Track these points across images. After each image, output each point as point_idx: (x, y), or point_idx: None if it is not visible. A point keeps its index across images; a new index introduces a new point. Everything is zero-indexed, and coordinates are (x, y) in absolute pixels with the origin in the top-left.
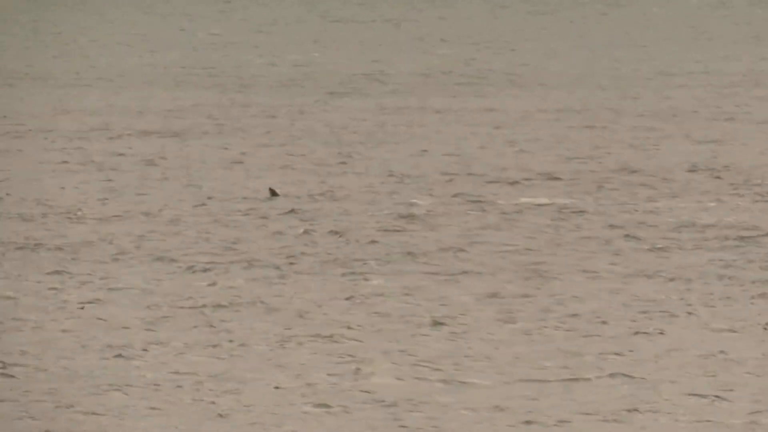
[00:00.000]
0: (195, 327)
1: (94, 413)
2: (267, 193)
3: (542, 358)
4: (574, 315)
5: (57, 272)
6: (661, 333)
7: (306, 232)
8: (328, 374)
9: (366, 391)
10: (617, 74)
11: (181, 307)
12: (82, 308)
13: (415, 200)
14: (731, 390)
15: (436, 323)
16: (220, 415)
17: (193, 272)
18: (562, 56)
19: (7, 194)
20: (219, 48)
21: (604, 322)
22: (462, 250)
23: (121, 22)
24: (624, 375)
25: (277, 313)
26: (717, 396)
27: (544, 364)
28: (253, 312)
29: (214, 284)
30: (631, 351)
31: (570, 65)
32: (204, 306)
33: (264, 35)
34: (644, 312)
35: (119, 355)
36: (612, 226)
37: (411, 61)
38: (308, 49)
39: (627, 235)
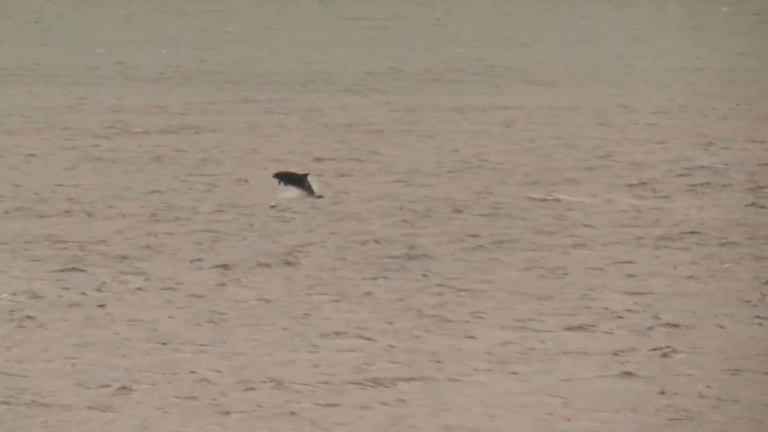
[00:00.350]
0: (201, 325)
1: (98, 410)
2: (280, 191)
3: (551, 359)
4: (584, 313)
5: (71, 269)
6: (671, 333)
7: (315, 230)
8: (337, 372)
9: (374, 388)
10: (629, 71)
11: (190, 306)
12: (103, 306)
13: (427, 196)
14: (740, 391)
15: (446, 321)
16: (228, 413)
17: (207, 270)
18: (574, 53)
19: (15, 185)
20: (232, 45)
21: (615, 319)
22: (474, 249)
23: (134, 19)
24: (632, 374)
25: (287, 311)
26: (725, 399)
27: (554, 364)
28: (264, 310)
29: (223, 284)
30: (638, 349)
31: (582, 62)
32: (216, 304)
33: (277, 33)
34: (655, 310)
35: (125, 355)
36: (624, 225)
37: (423, 59)
38: (321, 47)
39: (638, 235)
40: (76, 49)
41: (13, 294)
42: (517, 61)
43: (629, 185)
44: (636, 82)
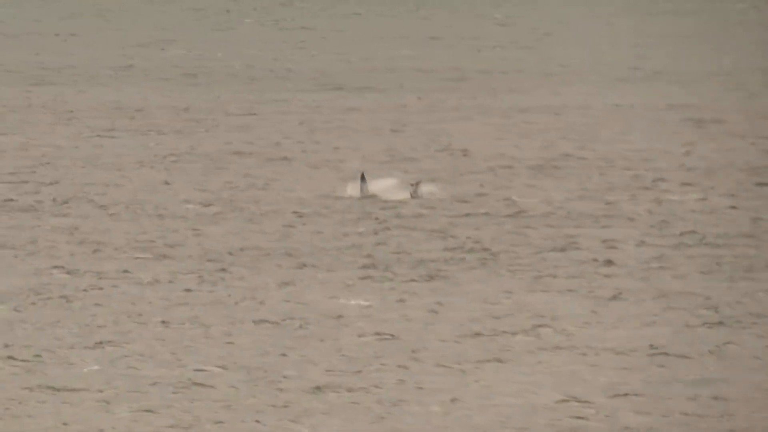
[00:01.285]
0: (184, 323)
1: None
2: (338, 191)
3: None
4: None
5: (59, 271)
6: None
7: (336, 231)
8: (328, 370)
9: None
10: (689, 70)
11: (199, 304)
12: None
13: (444, 196)
14: (729, 385)
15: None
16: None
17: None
18: (641, 53)
19: (41, 195)
20: (257, 43)
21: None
22: (500, 252)
23: (125, 16)
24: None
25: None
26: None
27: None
28: (266, 309)
29: (236, 279)
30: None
31: (650, 63)
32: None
33: (298, 31)
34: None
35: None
36: (670, 230)
37: (448, 59)
38: (376, 46)
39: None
40: (65, 48)
41: None
42: (579, 61)
43: (674, 187)
44: (697, 82)
